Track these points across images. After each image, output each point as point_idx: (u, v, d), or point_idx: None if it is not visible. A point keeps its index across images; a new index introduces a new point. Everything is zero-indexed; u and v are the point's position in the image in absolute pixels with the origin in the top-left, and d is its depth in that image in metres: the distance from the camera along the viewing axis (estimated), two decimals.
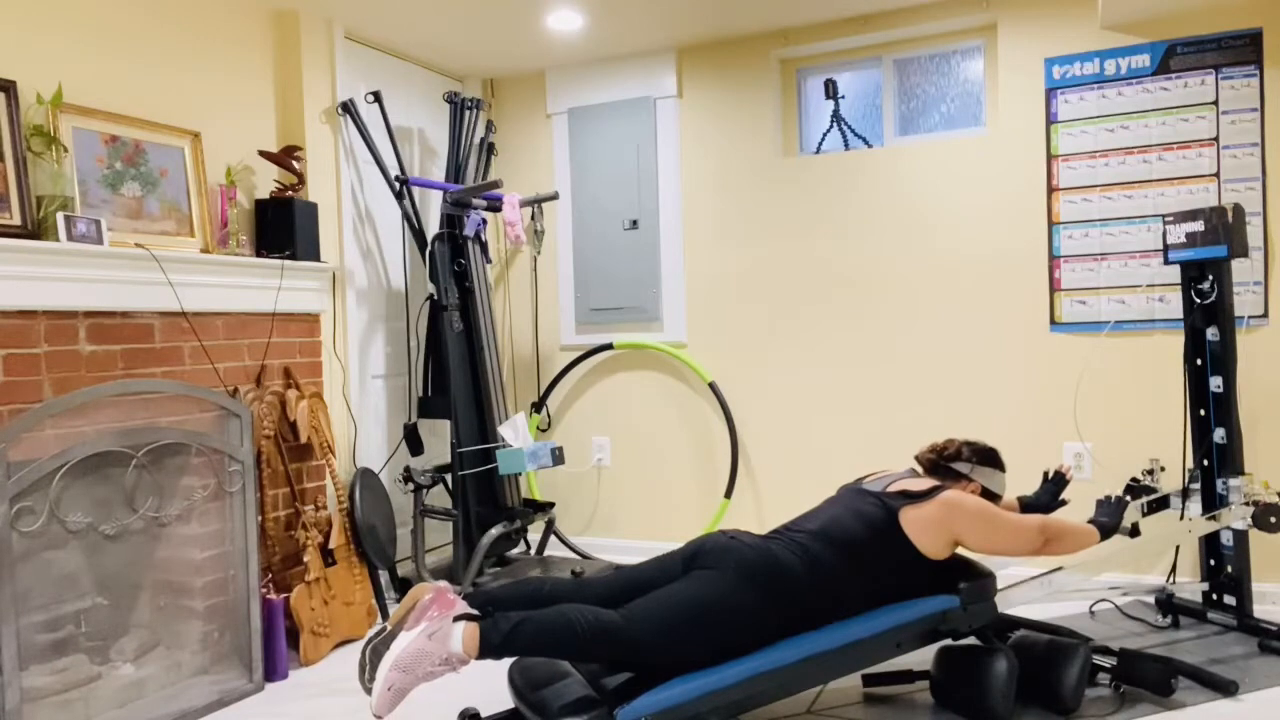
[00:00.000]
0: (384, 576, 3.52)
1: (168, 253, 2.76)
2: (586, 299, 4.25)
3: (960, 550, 2.45)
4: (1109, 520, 2.69)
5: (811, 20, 3.75)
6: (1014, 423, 3.54)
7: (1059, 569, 2.73)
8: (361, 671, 2.07)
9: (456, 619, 2.06)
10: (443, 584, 2.18)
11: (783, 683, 2.18)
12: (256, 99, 3.30)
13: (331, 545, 3.14)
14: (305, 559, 3.04)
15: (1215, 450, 2.97)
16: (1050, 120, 3.45)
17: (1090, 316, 3.41)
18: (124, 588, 2.75)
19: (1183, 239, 2.96)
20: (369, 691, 2.01)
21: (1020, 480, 3.48)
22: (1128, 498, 2.81)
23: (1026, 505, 2.80)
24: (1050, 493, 2.80)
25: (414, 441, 3.66)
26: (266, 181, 3.29)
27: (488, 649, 2.04)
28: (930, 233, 3.65)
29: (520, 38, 3.82)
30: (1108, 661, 2.58)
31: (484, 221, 3.75)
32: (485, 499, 3.67)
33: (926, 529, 2.34)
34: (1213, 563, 3.02)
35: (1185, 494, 3.03)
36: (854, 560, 2.31)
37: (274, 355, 3.18)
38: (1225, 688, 2.48)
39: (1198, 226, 2.90)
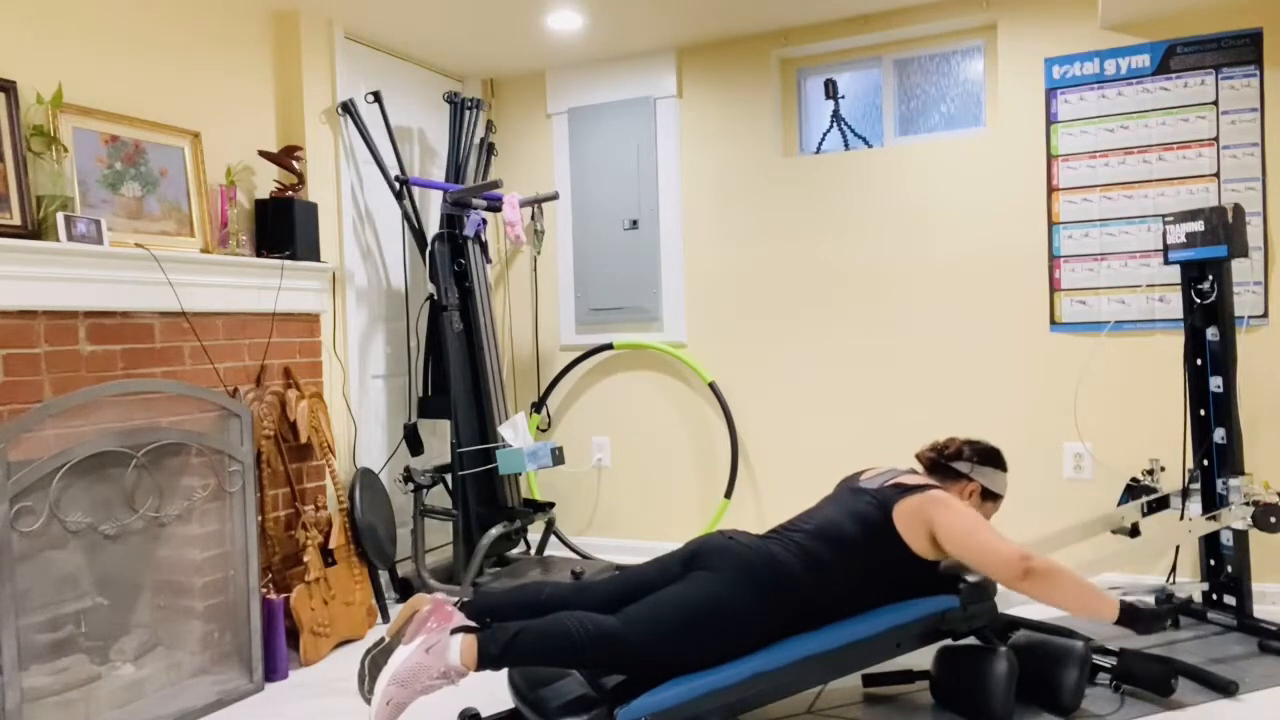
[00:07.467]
0: (384, 576, 3.52)
1: (168, 253, 2.76)
2: (586, 299, 4.25)
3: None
4: (1144, 615, 2.32)
5: (811, 20, 3.75)
6: (1014, 423, 3.54)
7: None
8: (361, 683, 2.08)
9: (454, 631, 2.06)
10: (440, 596, 2.18)
11: (783, 683, 2.18)
12: (256, 99, 3.30)
13: (331, 545, 3.14)
14: (305, 559, 3.04)
15: (1215, 450, 2.96)
16: (1050, 120, 3.45)
17: (1090, 316, 3.41)
18: (124, 588, 2.74)
19: (1183, 239, 2.96)
20: (369, 703, 2.02)
21: (1021, 481, 3.48)
22: (1168, 619, 2.44)
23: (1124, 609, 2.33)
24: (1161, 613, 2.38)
25: (414, 441, 3.66)
26: (266, 181, 3.29)
27: (486, 660, 2.04)
28: (930, 233, 3.65)
29: (520, 38, 3.82)
30: (1108, 661, 2.58)
31: (484, 221, 3.75)
32: (485, 499, 3.67)
33: (910, 522, 2.33)
34: (1213, 563, 3.02)
35: (1185, 494, 3.03)
36: (851, 559, 2.31)
37: (274, 355, 3.18)
38: (1225, 688, 2.48)
39: (1198, 226, 2.90)
